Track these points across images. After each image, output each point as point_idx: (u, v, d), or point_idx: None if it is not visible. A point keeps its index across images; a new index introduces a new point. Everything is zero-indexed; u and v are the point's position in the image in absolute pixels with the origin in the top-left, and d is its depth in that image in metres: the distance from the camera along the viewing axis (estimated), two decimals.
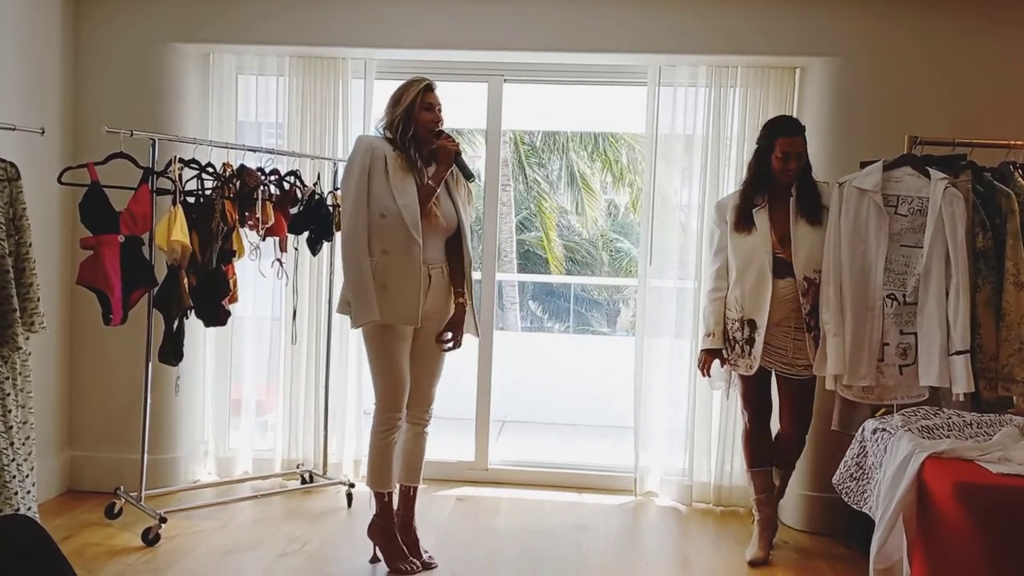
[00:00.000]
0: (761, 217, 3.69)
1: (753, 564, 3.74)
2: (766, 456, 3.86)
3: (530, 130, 13.71)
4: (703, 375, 3.85)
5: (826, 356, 3.60)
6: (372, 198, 3.30)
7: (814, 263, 3.64)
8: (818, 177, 3.88)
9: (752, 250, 3.68)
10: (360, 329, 3.40)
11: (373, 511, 3.58)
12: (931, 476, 2.71)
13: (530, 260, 15.10)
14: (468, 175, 3.52)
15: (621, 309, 15.67)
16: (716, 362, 3.80)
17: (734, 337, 3.75)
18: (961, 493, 2.56)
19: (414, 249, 3.29)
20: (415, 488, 3.62)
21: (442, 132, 3.44)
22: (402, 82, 3.46)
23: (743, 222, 3.71)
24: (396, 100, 3.41)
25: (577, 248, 15.61)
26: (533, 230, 15.19)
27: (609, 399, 6.69)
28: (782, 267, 3.66)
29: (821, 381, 3.73)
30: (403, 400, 3.47)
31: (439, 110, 3.43)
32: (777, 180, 3.68)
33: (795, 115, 4.34)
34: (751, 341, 3.68)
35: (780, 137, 3.63)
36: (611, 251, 15.68)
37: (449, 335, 3.50)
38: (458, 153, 3.44)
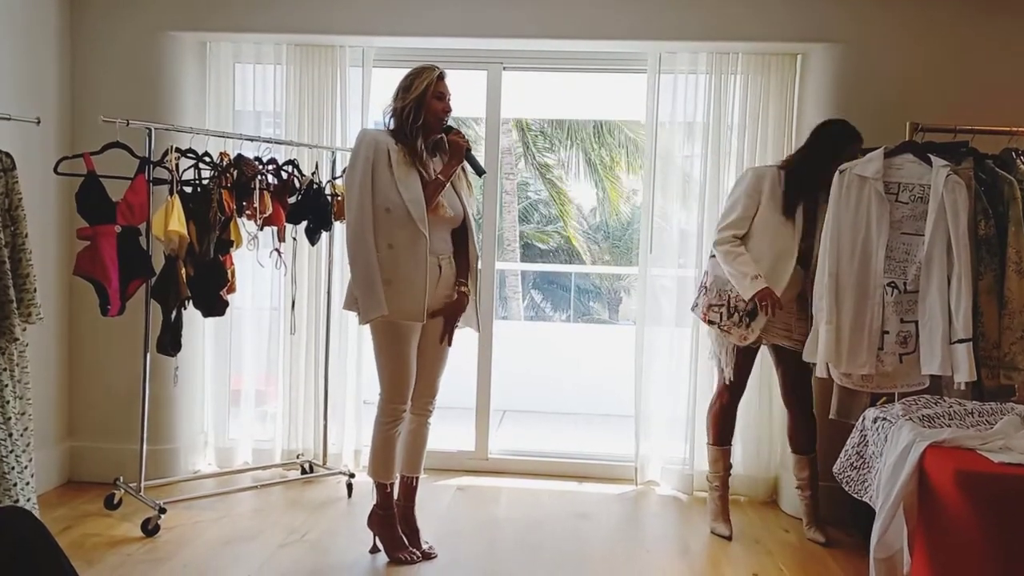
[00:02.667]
0: (800, 207, 3.78)
1: (730, 538, 3.88)
2: (731, 435, 4.02)
3: (531, 117, 13.63)
4: (772, 313, 3.67)
5: (816, 344, 3.61)
6: (377, 192, 3.25)
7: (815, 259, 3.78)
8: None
9: (785, 235, 3.75)
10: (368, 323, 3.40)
11: (374, 501, 3.57)
12: (932, 465, 2.69)
13: (531, 249, 15.06)
14: (479, 171, 3.50)
15: (623, 297, 15.63)
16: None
17: (735, 306, 3.78)
18: (962, 482, 2.54)
19: (420, 243, 3.26)
20: (416, 479, 3.61)
21: (451, 127, 3.41)
22: (411, 69, 3.40)
23: (790, 209, 3.76)
24: (407, 87, 3.35)
25: (591, 236, 15.58)
26: (547, 218, 15.14)
27: (610, 388, 6.67)
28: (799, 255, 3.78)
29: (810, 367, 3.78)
30: (408, 392, 3.45)
31: (449, 99, 3.40)
32: (820, 178, 3.73)
33: (796, 102, 4.40)
34: (753, 315, 3.74)
35: (857, 144, 3.74)
36: (617, 239, 15.64)
37: (442, 324, 3.48)
38: (469, 149, 3.41)
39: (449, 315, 3.48)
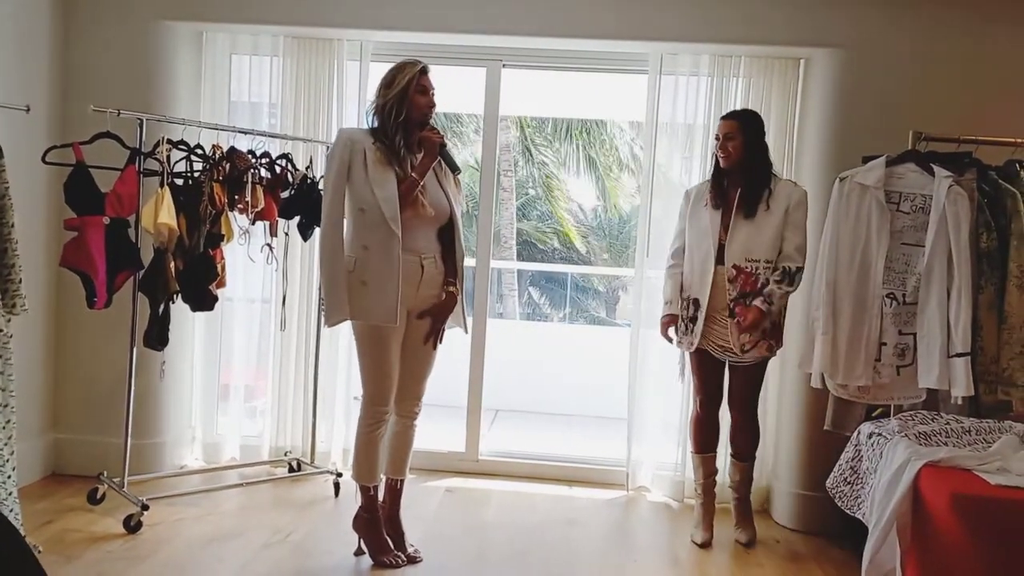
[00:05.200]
0: (716, 204, 3.78)
1: (704, 546, 3.86)
2: (713, 442, 3.99)
3: (530, 115, 13.54)
4: (665, 338, 3.94)
5: (812, 353, 3.58)
6: (352, 193, 3.24)
7: (745, 252, 3.70)
8: (814, 174, 4.00)
9: (702, 234, 3.78)
10: (351, 323, 3.34)
11: (359, 503, 3.52)
12: (927, 485, 2.64)
13: (529, 247, 14.99)
14: (453, 168, 3.41)
15: (620, 296, 15.57)
16: (672, 329, 3.94)
17: (681, 315, 3.86)
18: (958, 505, 2.49)
19: (393, 243, 3.19)
20: (401, 481, 3.56)
21: (426, 123, 3.31)
22: (394, 65, 3.34)
23: (699, 206, 3.83)
24: (388, 83, 3.30)
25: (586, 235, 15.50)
26: (543, 216, 15.07)
27: (604, 389, 6.62)
28: (724, 254, 3.76)
29: (806, 377, 3.81)
30: (390, 395, 3.40)
31: (433, 94, 3.32)
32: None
33: (798, 107, 4.36)
34: (694, 319, 3.79)
35: (720, 120, 3.83)
36: (615, 239, 15.57)
37: (429, 324, 3.42)
38: (443, 145, 3.32)
39: (435, 315, 3.42)
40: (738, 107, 4.35)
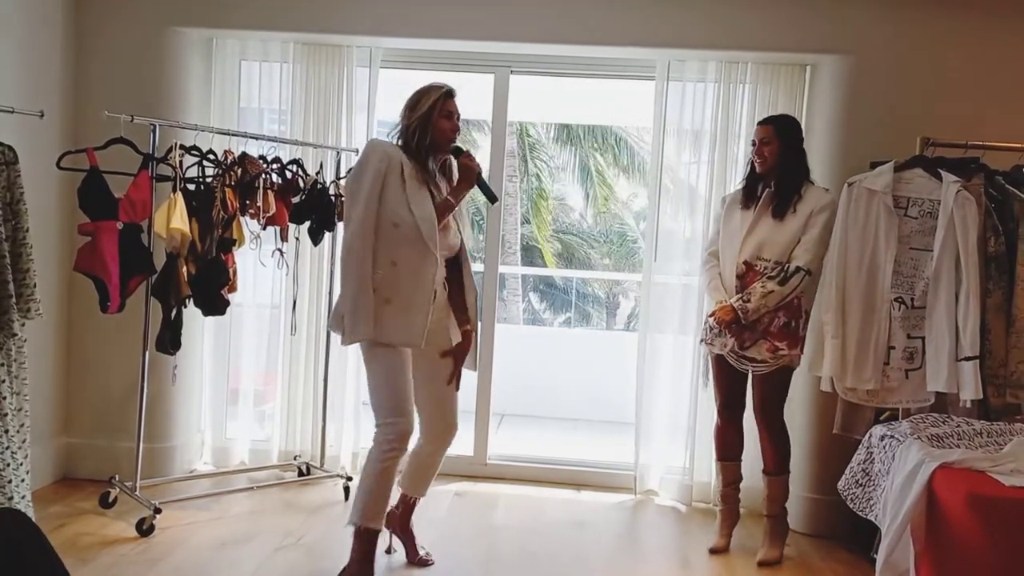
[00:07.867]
0: (746, 205, 3.78)
1: (714, 552, 3.85)
2: (733, 450, 3.93)
3: (538, 122, 13.56)
4: (721, 327, 3.70)
5: (822, 357, 3.59)
6: (385, 207, 3.07)
7: (758, 250, 3.68)
8: (822, 180, 3.95)
9: (733, 234, 3.78)
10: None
11: (351, 551, 3.21)
12: (942, 487, 2.66)
13: (531, 252, 15.01)
14: (492, 198, 3.34)
15: (621, 302, 15.58)
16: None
17: (707, 320, 3.83)
18: (974, 505, 2.51)
19: (429, 263, 3.08)
20: (417, 500, 3.52)
21: (460, 149, 3.22)
22: (421, 87, 3.25)
23: (733, 209, 3.82)
24: (413, 105, 3.20)
25: (576, 242, 15.50)
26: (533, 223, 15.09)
27: (610, 394, 6.65)
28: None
29: (813, 381, 3.82)
30: (410, 407, 3.19)
31: (457, 118, 3.23)
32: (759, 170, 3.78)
33: (804, 113, 4.38)
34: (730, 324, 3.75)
35: (756, 126, 3.84)
36: (613, 244, 15.58)
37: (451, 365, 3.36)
38: (480, 173, 3.23)
39: (457, 356, 3.37)
40: (744, 113, 4.39)
